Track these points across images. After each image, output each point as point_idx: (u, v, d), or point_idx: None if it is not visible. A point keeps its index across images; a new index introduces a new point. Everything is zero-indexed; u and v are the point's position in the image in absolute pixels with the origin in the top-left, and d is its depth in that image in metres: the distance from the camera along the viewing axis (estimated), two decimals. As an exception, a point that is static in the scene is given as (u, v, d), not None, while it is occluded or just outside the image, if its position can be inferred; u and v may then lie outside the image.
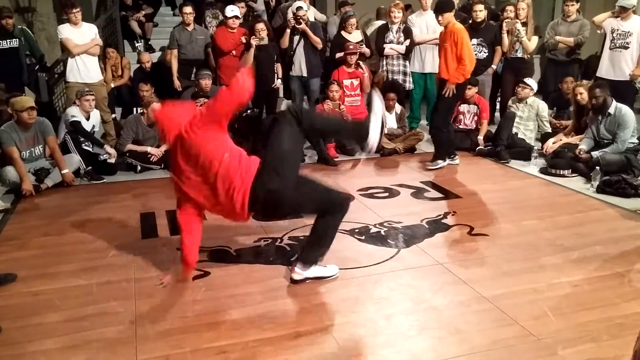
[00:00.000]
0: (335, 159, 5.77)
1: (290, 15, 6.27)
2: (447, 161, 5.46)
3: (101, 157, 5.31)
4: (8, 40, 6.27)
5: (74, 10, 5.77)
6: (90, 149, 5.37)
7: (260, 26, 6.02)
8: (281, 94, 6.96)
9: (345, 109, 6.02)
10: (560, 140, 5.53)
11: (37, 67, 6.74)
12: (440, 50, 5.22)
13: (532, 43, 6.40)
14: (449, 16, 4.99)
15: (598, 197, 4.50)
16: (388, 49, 6.51)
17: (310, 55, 6.29)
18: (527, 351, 2.46)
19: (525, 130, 6.00)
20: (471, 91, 5.91)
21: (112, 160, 5.36)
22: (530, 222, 4.02)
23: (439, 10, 5.05)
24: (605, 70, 6.01)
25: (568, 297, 2.93)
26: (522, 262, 3.36)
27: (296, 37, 6.28)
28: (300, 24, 6.14)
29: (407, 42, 6.47)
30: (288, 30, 6.22)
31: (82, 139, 5.33)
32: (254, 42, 5.91)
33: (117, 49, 7.47)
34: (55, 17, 8.04)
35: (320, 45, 6.37)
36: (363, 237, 3.76)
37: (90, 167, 5.23)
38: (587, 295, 2.96)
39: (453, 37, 4.95)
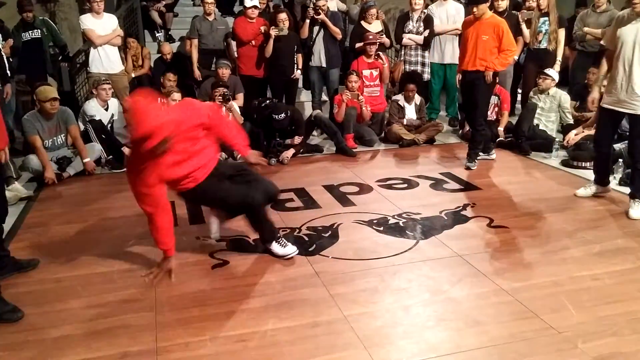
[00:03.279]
0: (354, 150, 5.75)
1: (310, 5, 6.24)
2: (484, 156, 5.35)
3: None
4: (30, 32, 6.37)
5: (97, 0, 5.82)
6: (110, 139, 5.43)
7: (282, 16, 5.99)
8: (300, 84, 6.95)
9: (364, 100, 5.99)
10: (582, 132, 5.43)
11: (60, 57, 6.83)
12: (475, 42, 4.92)
13: (561, 35, 6.25)
14: (484, 7, 4.85)
15: (620, 190, 4.42)
16: (406, 39, 6.45)
17: (329, 45, 6.26)
18: (546, 344, 2.43)
19: (546, 121, 5.91)
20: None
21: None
22: (551, 214, 3.97)
23: (473, 1, 4.88)
24: None
25: (589, 291, 2.89)
26: (543, 254, 3.32)
27: (316, 28, 6.25)
28: (319, 14, 6.11)
29: (426, 32, 6.39)
30: (307, 21, 6.19)
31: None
32: (273, 32, 5.90)
33: (138, 39, 7.52)
34: (76, 6, 8.13)
35: (339, 36, 6.33)
36: (381, 228, 3.76)
37: (111, 156, 5.29)
38: (609, 288, 2.92)
39: (496, 30, 4.81)
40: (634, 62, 3.77)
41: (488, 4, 4.91)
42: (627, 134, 4.88)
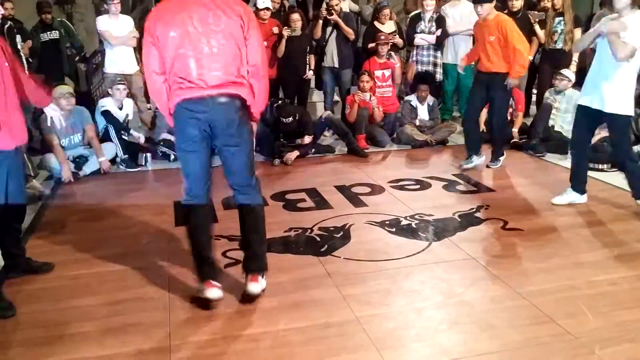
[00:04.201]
0: (366, 150, 5.74)
1: (323, 5, 6.25)
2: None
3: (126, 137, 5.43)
4: (48, 33, 6.47)
5: (115, 1, 5.88)
6: (126, 138, 5.48)
7: (295, 16, 6.02)
8: (313, 84, 6.96)
9: (376, 100, 5.98)
10: (599, 133, 5.36)
11: (77, 57, 6.92)
12: (483, 44, 4.86)
13: (577, 35, 6.18)
14: (489, 7, 4.77)
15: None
16: (418, 39, 6.42)
17: (342, 45, 6.26)
18: (562, 350, 2.41)
19: (562, 122, 5.84)
20: (506, 82, 5.78)
21: (142, 142, 5.48)
22: (567, 217, 3.92)
23: (478, 0, 4.81)
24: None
25: (606, 296, 2.85)
26: (558, 258, 3.28)
27: (328, 29, 6.26)
28: (332, 14, 6.11)
29: (439, 32, 6.36)
30: (320, 21, 6.20)
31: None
32: (285, 33, 5.92)
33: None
34: (93, 8, 8.22)
35: (352, 37, 6.33)
36: (394, 229, 3.74)
37: (126, 155, 5.35)
38: (627, 293, 2.87)
39: (500, 28, 4.70)
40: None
41: (493, 4, 4.82)
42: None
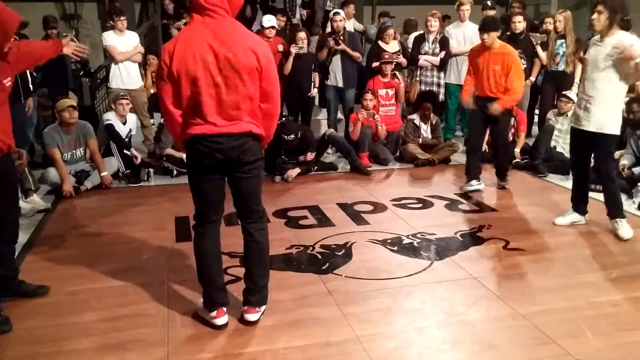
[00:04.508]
0: (369, 168, 5.75)
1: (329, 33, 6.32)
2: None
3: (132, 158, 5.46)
4: (51, 40, 6.51)
5: (122, 18, 5.96)
6: (128, 153, 5.50)
7: (302, 35, 6.08)
8: (317, 102, 7.00)
9: (379, 119, 6.01)
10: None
11: (82, 72, 6.98)
12: (486, 71, 4.82)
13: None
14: (495, 36, 4.78)
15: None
16: (422, 60, 6.48)
17: (346, 65, 6.31)
18: (564, 371, 2.38)
19: (564, 143, 5.85)
20: (508, 103, 5.82)
21: (138, 162, 5.48)
22: (569, 238, 3.91)
23: (485, 28, 4.79)
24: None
25: (607, 317, 2.83)
26: (560, 278, 3.26)
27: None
28: (339, 44, 6.18)
29: (442, 53, 6.42)
30: (326, 49, 6.26)
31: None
32: (293, 50, 5.96)
33: (158, 56, 7.64)
34: (99, 24, 8.32)
35: (360, 59, 6.40)
36: (395, 248, 3.73)
37: (128, 170, 5.36)
38: (628, 315, 2.86)
39: (506, 60, 4.71)
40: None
41: (498, 33, 4.85)
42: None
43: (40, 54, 3.09)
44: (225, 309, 2.76)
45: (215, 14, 2.48)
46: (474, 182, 5.07)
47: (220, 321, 2.72)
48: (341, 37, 6.20)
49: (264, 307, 2.82)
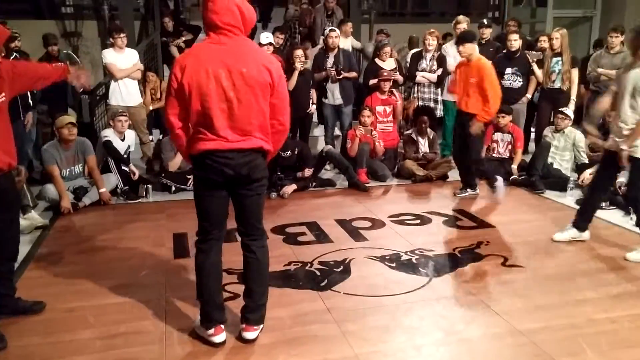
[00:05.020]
0: (367, 184, 5.76)
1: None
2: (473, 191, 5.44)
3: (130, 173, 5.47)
4: (54, 64, 6.55)
5: (121, 35, 6.00)
6: (127, 170, 5.50)
7: (299, 53, 6.10)
8: (315, 118, 7.03)
9: (377, 135, 6.04)
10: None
11: (81, 89, 6.99)
12: (466, 85, 5.06)
13: (574, 75, 6.30)
14: (471, 47, 4.99)
15: (638, 231, 4.34)
16: (420, 77, 6.54)
17: (344, 84, 6.36)
18: (564, 389, 2.37)
19: (561, 160, 5.89)
20: (505, 120, 5.86)
21: (135, 178, 5.48)
22: (567, 254, 3.91)
23: (461, 40, 5.08)
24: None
25: (607, 334, 2.82)
26: (559, 295, 3.26)
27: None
28: (340, 74, 6.25)
29: (440, 71, 6.49)
30: (326, 75, 6.32)
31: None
32: (298, 65, 5.97)
33: (157, 73, 7.70)
34: (99, 41, 8.38)
35: (357, 78, 6.48)
36: (394, 265, 3.72)
37: (127, 187, 5.36)
38: (628, 332, 2.85)
39: (479, 73, 4.92)
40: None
41: (474, 45, 5.05)
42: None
43: (39, 74, 3.05)
44: (223, 326, 2.74)
45: (231, 32, 2.52)
46: (469, 189, 5.37)
47: (218, 339, 2.71)
48: (343, 70, 6.28)
49: (262, 325, 2.80)
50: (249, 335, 2.74)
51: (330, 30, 6.40)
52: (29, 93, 5.55)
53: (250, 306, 2.76)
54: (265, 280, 2.82)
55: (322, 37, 7.05)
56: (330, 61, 6.34)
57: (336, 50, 6.34)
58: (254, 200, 2.68)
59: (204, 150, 2.53)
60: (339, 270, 3.62)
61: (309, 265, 3.71)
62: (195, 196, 2.69)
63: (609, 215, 4.75)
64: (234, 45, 2.52)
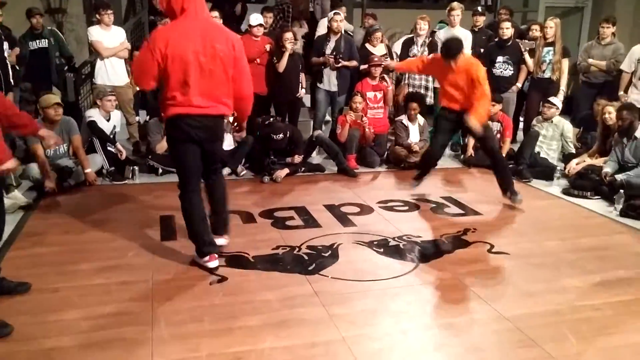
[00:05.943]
0: (356, 170, 5.76)
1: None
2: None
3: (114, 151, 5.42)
4: (38, 41, 6.41)
5: (108, 12, 5.86)
6: (113, 150, 5.42)
7: (288, 35, 6.00)
8: (308, 103, 6.97)
9: (367, 121, 6.02)
10: (584, 161, 5.45)
11: (66, 67, 6.87)
12: (449, 85, 4.65)
13: (564, 65, 6.31)
14: (462, 57, 4.56)
15: (621, 221, 4.42)
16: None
17: (343, 72, 6.28)
18: (547, 374, 2.41)
19: (548, 149, 5.93)
20: (495, 108, 5.86)
21: (122, 157, 5.41)
22: (552, 242, 3.95)
23: (449, 56, 4.52)
24: (634, 96, 5.92)
25: (590, 321, 2.86)
26: (543, 282, 3.30)
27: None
28: (338, 63, 6.17)
29: (431, 57, 6.44)
30: (324, 62, 6.24)
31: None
32: (289, 46, 5.89)
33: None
34: (84, 18, 8.20)
35: (357, 66, 6.36)
36: (382, 250, 3.74)
37: (112, 168, 5.29)
38: (610, 319, 2.89)
39: (468, 74, 4.49)
40: None
41: (462, 54, 4.60)
42: (629, 165, 4.91)
43: (12, 122, 3.17)
44: (216, 255, 3.33)
45: (194, 12, 3.05)
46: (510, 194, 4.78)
47: (212, 264, 3.30)
48: (342, 59, 6.20)
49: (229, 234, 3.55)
50: (221, 241, 3.50)
51: (335, 14, 6.27)
52: (10, 70, 5.42)
53: (220, 221, 3.49)
54: (227, 200, 3.53)
55: (324, 19, 6.94)
56: (330, 46, 6.24)
57: (339, 35, 6.26)
58: (217, 147, 3.38)
59: (178, 114, 3.07)
60: (327, 254, 3.63)
61: (297, 249, 3.71)
62: (172, 154, 3.32)
63: (592, 205, 4.81)
64: (205, 24, 3.10)
